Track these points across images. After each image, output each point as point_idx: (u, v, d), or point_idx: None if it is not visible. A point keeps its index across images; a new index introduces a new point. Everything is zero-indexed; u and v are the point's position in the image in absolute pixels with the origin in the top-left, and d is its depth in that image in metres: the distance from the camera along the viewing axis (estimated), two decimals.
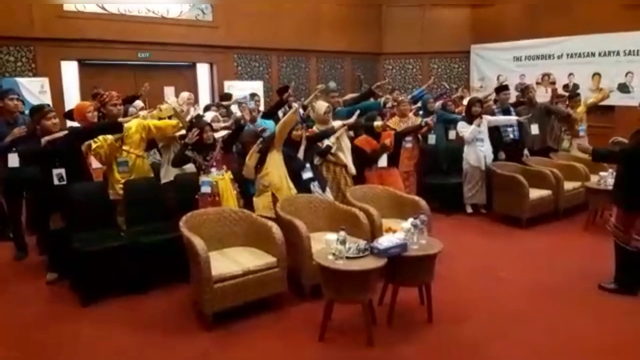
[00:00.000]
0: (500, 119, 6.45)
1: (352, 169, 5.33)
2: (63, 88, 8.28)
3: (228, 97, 7.68)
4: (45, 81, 7.78)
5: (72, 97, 8.19)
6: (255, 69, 10.33)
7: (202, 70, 10.12)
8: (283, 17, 10.24)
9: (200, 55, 9.71)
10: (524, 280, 4.36)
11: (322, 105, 5.30)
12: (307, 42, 10.65)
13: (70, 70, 8.57)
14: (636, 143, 3.83)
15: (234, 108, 6.95)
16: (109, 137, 4.46)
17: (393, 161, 5.47)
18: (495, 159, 6.28)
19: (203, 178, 4.35)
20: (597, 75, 9.40)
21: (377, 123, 5.24)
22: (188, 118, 4.94)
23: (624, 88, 9.00)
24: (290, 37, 10.37)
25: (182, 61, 9.73)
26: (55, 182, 4.23)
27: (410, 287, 3.67)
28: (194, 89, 9.41)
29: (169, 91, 7.97)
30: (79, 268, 3.92)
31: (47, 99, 7.50)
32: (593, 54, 9.43)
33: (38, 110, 4.45)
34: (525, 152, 6.81)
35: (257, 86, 9.96)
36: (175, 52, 9.27)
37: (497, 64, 10.94)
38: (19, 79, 7.73)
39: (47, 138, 4.20)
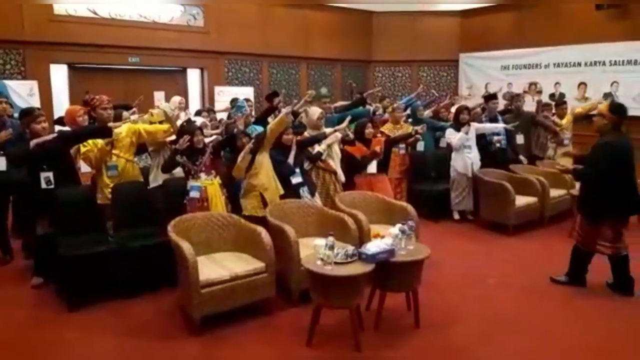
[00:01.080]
0: (488, 126, 6.52)
1: (342, 176, 5.36)
2: (52, 92, 8.25)
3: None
4: (34, 84, 7.75)
5: (62, 101, 8.16)
6: (245, 74, 10.36)
7: (193, 76, 10.13)
8: (274, 24, 10.29)
9: (191, 60, 9.72)
10: (511, 285, 4.42)
11: (315, 111, 5.32)
12: (297, 49, 10.70)
13: (60, 74, 8.54)
14: (608, 160, 3.92)
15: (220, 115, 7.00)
16: (99, 141, 4.44)
17: (383, 168, 5.53)
18: (482, 166, 6.33)
19: (192, 183, 4.35)
20: (583, 84, 9.54)
21: (368, 130, 5.32)
22: (178, 122, 4.94)
23: (609, 97, 9.14)
24: (281, 44, 10.42)
25: (173, 66, 9.73)
26: (43, 185, 4.20)
27: (397, 293, 3.70)
28: (184, 94, 9.42)
29: (159, 96, 7.95)
30: (66, 273, 3.90)
31: (35, 103, 7.47)
32: (579, 64, 9.57)
33: (28, 114, 4.41)
34: (521, 157, 6.88)
35: (247, 92, 9.97)
36: (166, 57, 9.27)
37: (485, 73, 11.06)
38: (8, 82, 7.68)
39: (35, 141, 4.16)
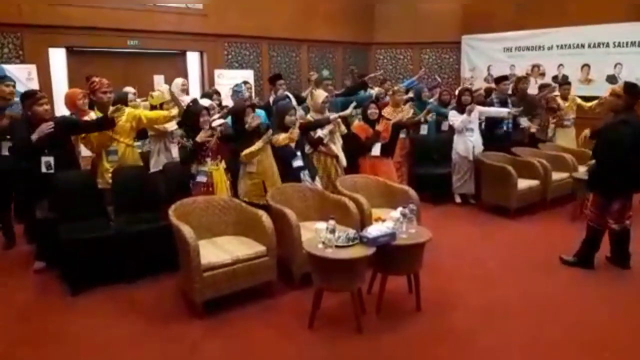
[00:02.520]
0: (492, 110, 6.45)
1: (343, 161, 5.32)
2: (51, 75, 8.18)
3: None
4: (32, 68, 7.67)
5: (60, 85, 8.09)
6: (245, 57, 10.26)
7: (192, 59, 10.04)
8: (274, 6, 10.16)
9: (191, 43, 9.62)
10: (512, 268, 4.42)
11: (321, 94, 5.26)
12: (298, 31, 10.59)
13: (58, 58, 8.46)
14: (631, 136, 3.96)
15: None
16: None
17: (387, 152, 5.49)
18: (487, 148, 6.29)
19: (199, 167, 4.31)
20: (586, 66, 9.45)
21: (370, 111, 5.33)
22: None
23: (612, 79, 9.06)
24: (282, 26, 10.31)
25: (172, 49, 9.64)
26: (44, 170, 4.18)
27: (398, 276, 3.71)
28: (184, 77, 9.33)
29: (158, 79, 7.90)
30: (67, 258, 3.91)
31: (34, 87, 7.39)
32: (582, 46, 9.47)
33: (29, 96, 4.33)
34: (531, 125, 6.85)
35: (247, 75, 9.90)
36: (165, 40, 9.17)
37: (487, 55, 10.95)
38: (6, 66, 7.60)
39: (36, 136, 4.09)
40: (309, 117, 5.22)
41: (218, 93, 7.25)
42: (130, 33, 8.67)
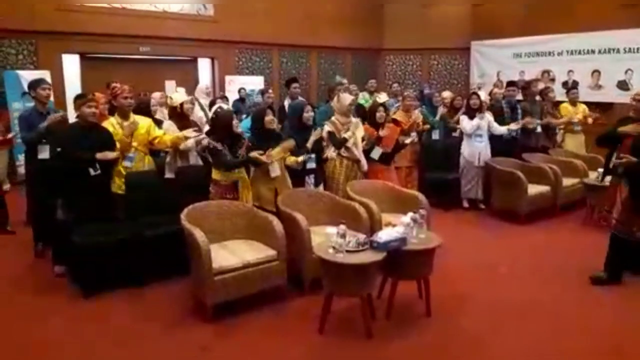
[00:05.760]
0: (496, 130, 6.30)
1: (365, 166, 5.23)
2: (65, 81, 8.30)
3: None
4: (46, 74, 7.78)
5: (73, 90, 8.18)
6: (256, 63, 10.36)
7: (204, 65, 10.14)
8: (284, 13, 10.25)
9: (202, 49, 9.73)
10: (523, 274, 4.41)
11: (347, 98, 5.22)
12: (308, 38, 10.66)
13: (71, 64, 8.59)
14: None
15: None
16: (120, 131, 4.47)
17: (387, 161, 5.46)
18: (495, 154, 6.28)
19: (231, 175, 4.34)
20: (596, 72, 9.43)
21: (379, 114, 5.37)
22: (199, 114, 4.86)
23: (623, 85, 9.03)
24: (291, 33, 10.39)
25: (184, 55, 9.75)
26: (92, 173, 4.20)
27: (409, 281, 3.70)
28: (195, 83, 9.43)
29: (170, 85, 7.98)
30: (79, 260, 3.95)
31: None
32: (593, 51, 9.45)
33: (80, 97, 4.53)
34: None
35: (257, 81, 9.98)
36: (177, 47, 9.29)
37: (497, 61, 10.96)
38: (20, 72, 7.74)
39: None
40: (333, 118, 5.17)
41: (227, 98, 7.30)
42: (142, 39, 8.80)
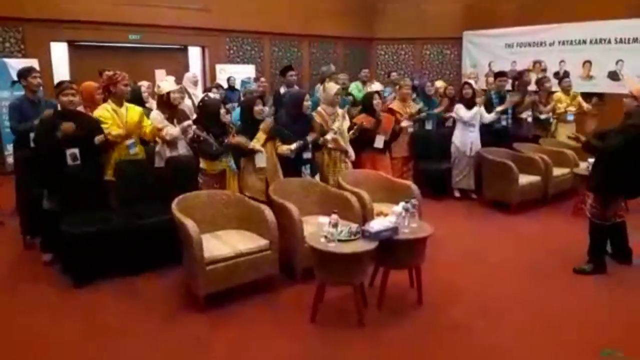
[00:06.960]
0: (486, 118, 6.33)
1: (352, 156, 5.24)
2: (53, 70, 8.19)
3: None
4: (34, 62, 7.69)
5: (62, 79, 8.10)
6: (247, 52, 10.28)
7: (194, 53, 10.05)
8: (276, 1, 10.17)
9: (192, 38, 9.64)
10: (513, 264, 4.44)
11: (333, 87, 5.21)
12: (300, 27, 10.60)
13: (59, 52, 8.47)
14: (621, 140, 3.91)
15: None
16: (115, 117, 4.42)
17: (386, 148, 5.50)
18: (486, 144, 6.30)
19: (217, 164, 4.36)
20: (587, 62, 9.46)
21: (376, 102, 5.36)
22: (187, 102, 4.85)
23: (614, 76, 9.07)
24: (283, 21, 10.32)
25: (174, 44, 9.65)
26: (69, 162, 4.13)
27: (400, 270, 3.72)
28: (185, 71, 9.35)
29: (159, 73, 7.89)
30: (70, 250, 3.92)
31: None
32: (584, 42, 9.47)
33: (57, 86, 4.33)
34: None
35: (249, 70, 9.91)
36: (167, 35, 9.19)
37: (489, 51, 10.96)
38: (7, 60, 7.63)
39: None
40: (319, 109, 5.15)
41: (222, 87, 7.23)
42: (131, 27, 8.70)
